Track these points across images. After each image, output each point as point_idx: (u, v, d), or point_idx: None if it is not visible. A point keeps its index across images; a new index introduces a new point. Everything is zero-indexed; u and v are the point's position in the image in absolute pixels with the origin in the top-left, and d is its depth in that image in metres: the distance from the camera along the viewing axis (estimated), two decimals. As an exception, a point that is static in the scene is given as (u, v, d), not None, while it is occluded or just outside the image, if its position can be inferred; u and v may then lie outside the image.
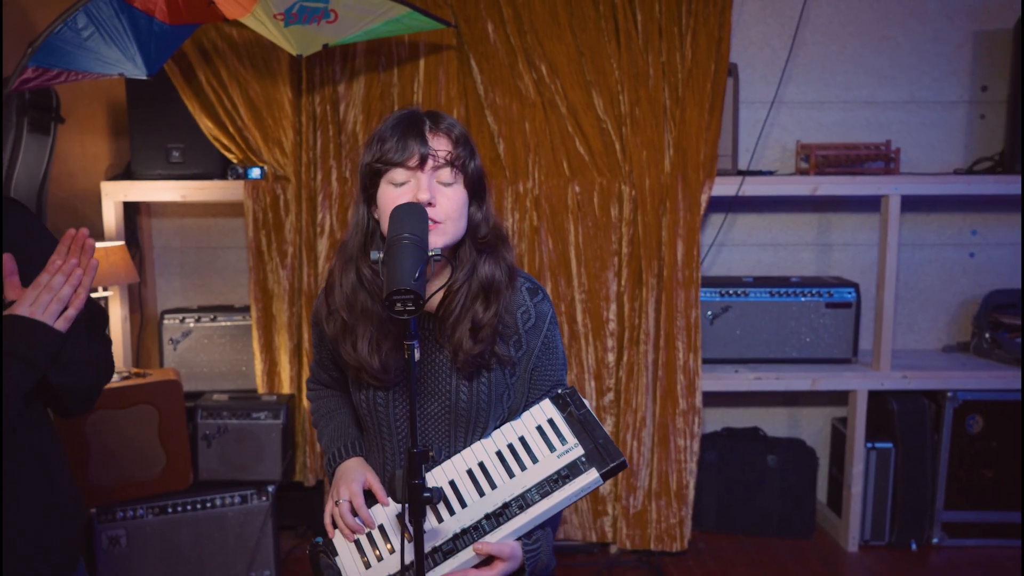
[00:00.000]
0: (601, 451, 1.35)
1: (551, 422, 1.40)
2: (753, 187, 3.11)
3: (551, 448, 1.38)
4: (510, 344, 1.41)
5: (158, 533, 2.88)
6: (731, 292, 3.26)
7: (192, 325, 3.31)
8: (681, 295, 3.09)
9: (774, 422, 3.60)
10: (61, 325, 1.29)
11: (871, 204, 3.36)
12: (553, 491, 1.33)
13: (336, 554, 1.38)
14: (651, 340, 3.12)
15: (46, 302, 1.27)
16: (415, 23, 2.78)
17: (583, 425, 1.38)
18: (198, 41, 2.95)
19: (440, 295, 1.39)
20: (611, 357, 3.15)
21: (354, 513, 1.38)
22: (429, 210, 1.29)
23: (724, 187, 3.10)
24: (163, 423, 2.89)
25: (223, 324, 3.32)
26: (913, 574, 3.12)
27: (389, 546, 1.37)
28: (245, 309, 3.30)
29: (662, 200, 3.08)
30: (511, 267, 1.44)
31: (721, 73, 3.07)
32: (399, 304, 1.11)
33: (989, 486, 3.26)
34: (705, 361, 3.26)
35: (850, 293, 3.24)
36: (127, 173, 3.19)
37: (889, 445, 3.25)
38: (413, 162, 1.31)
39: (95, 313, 1.51)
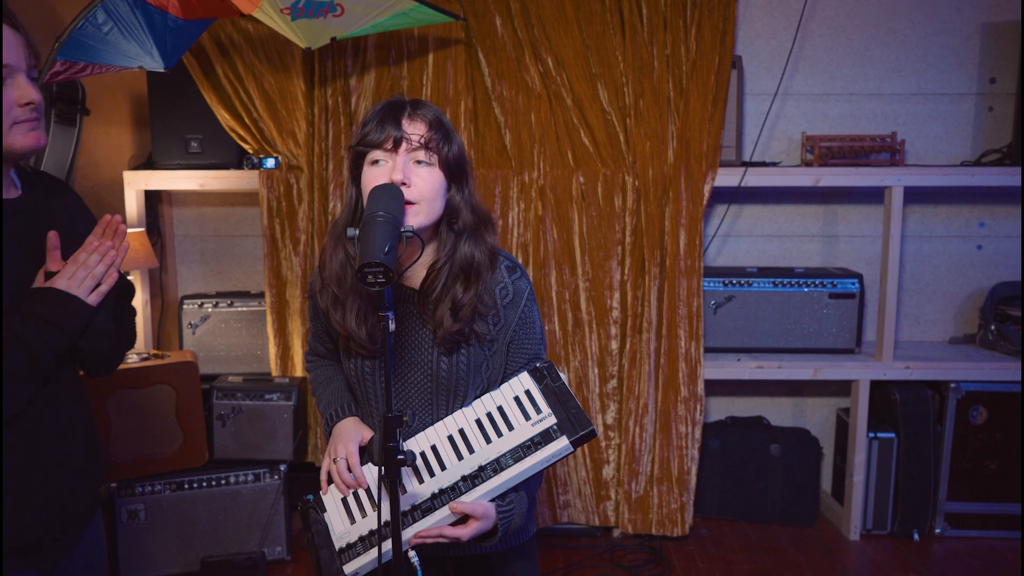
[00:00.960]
0: (573, 420, 1.42)
1: (528, 393, 1.48)
2: (756, 178, 3.15)
3: (527, 417, 1.45)
4: (488, 320, 1.49)
5: (175, 508, 3.00)
6: (735, 282, 3.30)
7: (210, 310, 3.43)
8: (683, 284, 3.14)
9: (779, 412, 3.64)
10: (93, 300, 1.41)
11: (877, 196, 3.38)
12: (526, 456, 1.41)
13: (325, 510, 1.47)
14: (653, 328, 3.18)
15: (81, 278, 1.40)
16: (423, 16, 2.86)
17: (557, 397, 1.46)
18: (215, 35, 3.06)
19: (422, 272, 1.47)
20: (614, 345, 3.21)
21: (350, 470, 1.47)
22: (405, 191, 1.37)
23: (727, 178, 3.14)
24: (180, 403, 3.01)
25: (239, 309, 3.44)
26: (915, 564, 3.14)
27: (373, 505, 1.45)
28: (261, 295, 3.41)
29: (665, 190, 3.13)
30: (492, 249, 1.51)
31: (725, 65, 3.11)
32: (370, 276, 1.19)
33: (992, 477, 3.27)
34: (708, 350, 3.31)
35: (853, 284, 3.27)
36: (148, 163, 3.31)
37: (892, 435, 3.27)
38: (388, 144, 1.40)
39: (124, 287, 1.63)
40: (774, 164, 3.31)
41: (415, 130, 1.42)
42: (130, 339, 1.65)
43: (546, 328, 3.21)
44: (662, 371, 3.19)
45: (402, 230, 1.27)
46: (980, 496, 3.28)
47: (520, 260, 3.15)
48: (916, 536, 3.29)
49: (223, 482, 3.05)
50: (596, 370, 3.23)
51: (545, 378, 1.48)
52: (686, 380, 3.18)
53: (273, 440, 3.14)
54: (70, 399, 1.51)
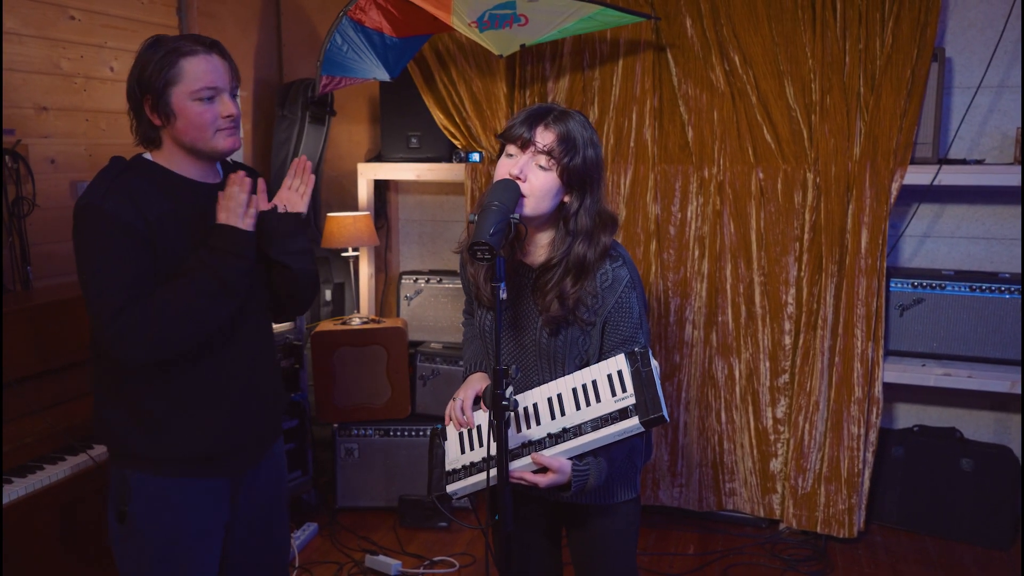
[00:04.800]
0: (648, 404, 1.60)
1: (619, 373, 1.66)
2: (951, 176, 3.00)
3: (613, 393, 1.65)
4: (588, 309, 1.70)
5: (382, 450, 3.53)
6: (925, 284, 3.17)
7: (423, 285, 3.93)
8: (863, 283, 3.09)
9: (977, 425, 3.41)
10: (247, 224, 1.73)
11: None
12: (602, 427, 1.62)
13: (446, 439, 1.81)
14: (828, 326, 3.15)
15: (232, 208, 1.73)
16: (610, 19, 3.04)
17: (642, 380, 1.63)
18: (435, 46, 3.51)
19: (542, 255, 1.73)
20: (787, 340, 3.23)
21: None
22: (520, 184, 1.63)
23: (919, 176, 3.03)
24: (390, 362, 3.52)
25: (447, 286, 3.90)
26: (1124, 606, 2.85)
27: (480, 441, 1.76)
28: (464, 274, 3.85)
29: (848, 187, 3.09)
30: (605, 247, 1.72)
31: (924, 59, 2.99)
32: (479, 252, 1.48)
33: None
34: (891, 353, 3.22)
35: (1068, 293, 3.00)
36: (378, 156, 3.87)
37: (1107, 462, 2.97)
38: (519, 143, 1.67)
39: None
40: (978, 162, 3.12)
41: (543, 139, 1.66)
42: (315, 287, 1.98)
43: (719, 320, 3.31)
44: (836, 370, 3.16)
45: (511, 216, 1.54)
46: None
47: (696, 253, 3.29)
48: None
49: (422, 433, 3.52)
50: (767, 364, 3.27)
51: (637, 362, 1.65)
52: (861, 381, 3.12)
53: (468, 402, 3.55)
54: (260, 345, 1.89)
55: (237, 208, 1.74)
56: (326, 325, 3.56)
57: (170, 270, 1.70)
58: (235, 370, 1.82)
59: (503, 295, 1.54)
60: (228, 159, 1.92)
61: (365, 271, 3.87)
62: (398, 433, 3.53)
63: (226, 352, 1.80)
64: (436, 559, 3.15)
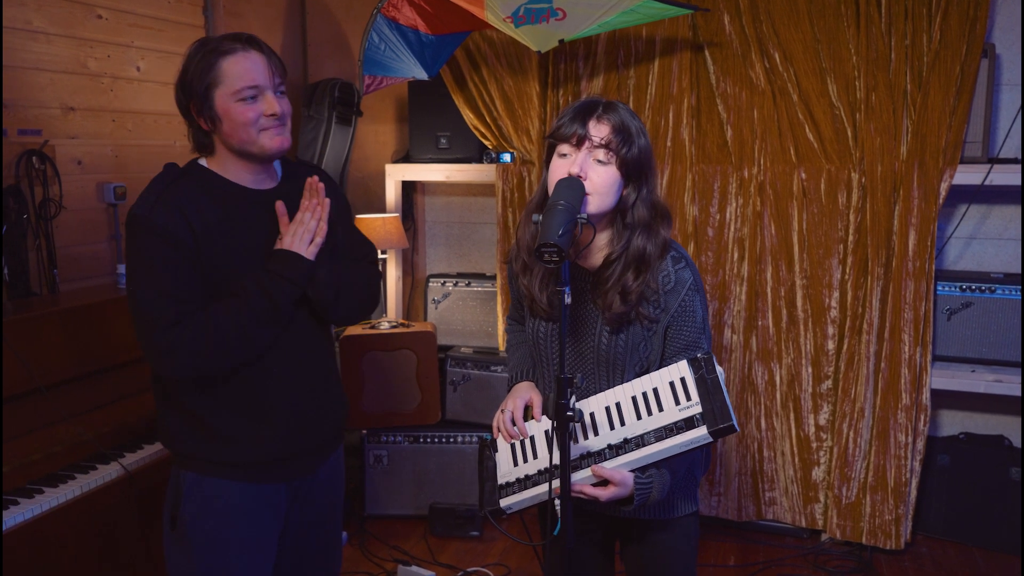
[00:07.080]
0: (716, 413, 1.51)
1: (683, 380, 1.58)
2: (1004, 176, 2.91)
3: (676, 402, 1.56)
4: (651, 304, 1.63)
5: (411, 458, 3.45)
6: (974, 287, 3.07)
7: (451, 288, 3.85)
8: (910, 286, 2.99)
9: (1026, 433, 3.31)
10: (311, 253, 1.71)
11: None
12: (666, 438, 1.53)
13: (497, 451, 1.72)
14: (874, 331, 3.06)
15: (300, 234, 1.71)
16: (652, 11, 2.93)
17: (708, 388, 1.54)
18: (465, 45, 3.43)
19: (599, 258, 1.65)
20: (831, 345, 3.14)
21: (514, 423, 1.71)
22: (584, 183, 1.55)
23: (968, 175, 2.93)
24: (420, 367, 3.44)
25: (476, 289, 3.83)
26: None
27: (534, 454, 1.67)
28: (494, 277, 3.77)
29: (895, 188, 3.00)
30: (664, 241, 1.64)
31: (973, 55, 2.90)
32: (546, 255, 1.40)
33: None
34: (938, 358, 3.12)
35: (1125, 296, 2.90)
36: (406, 157, 3.80)
37: None
38: (573, 140, 1.58)
39: (367, 252, 1.96)
40: (1029, 161, 3.02)
41: (598, 132, 1.58)
42: (356, 290, 1.87)
43: (759, 324, 3.22)
44: (882, 376, 3.06)
45: (577, 216, 1.46)
46: None
47: (736, 255, 3.20)
48: None
49: (452, 440, 3.44)
50: (810, 369, 3.18)
51: (701, 368, 1.57)
52: (908, 387, 3.03)
53: (496, 408, 3.46)
54: (313, 350, 1.84)
55: (305, 235, 1.72)
56: (354, 329, 3.49)
57: (216, 279, 1.67)
58: (285, 377, 1.77)
59: (568, 300, 1.46)
60: (292, 158, 1.85)
61: (393, 274, 3.79)
62: (428, 440, 3.45)
63: (274, 359, 1.75)
64: (470, 570, 3.07)
